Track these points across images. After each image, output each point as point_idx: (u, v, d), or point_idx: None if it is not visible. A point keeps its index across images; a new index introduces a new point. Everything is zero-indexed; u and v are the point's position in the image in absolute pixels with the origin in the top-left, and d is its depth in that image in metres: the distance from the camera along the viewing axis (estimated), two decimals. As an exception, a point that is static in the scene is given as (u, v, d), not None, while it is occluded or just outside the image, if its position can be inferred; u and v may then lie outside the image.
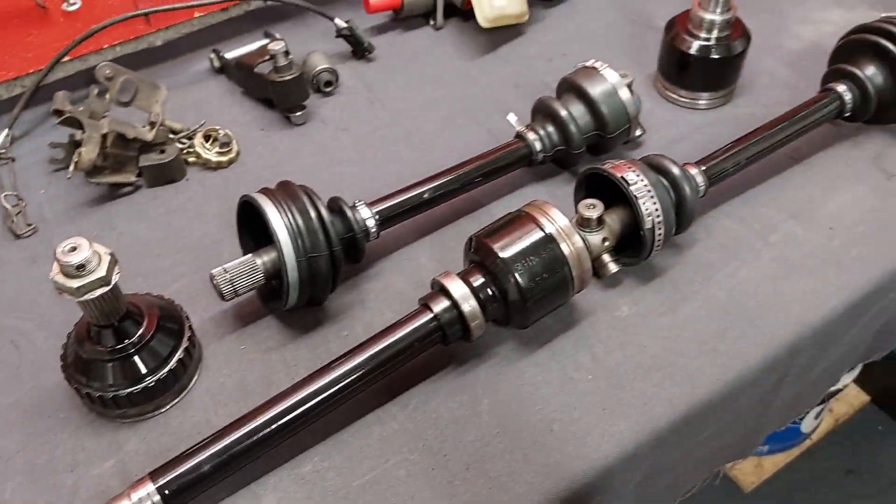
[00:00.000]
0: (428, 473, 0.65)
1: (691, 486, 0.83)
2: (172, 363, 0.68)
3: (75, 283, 0.60)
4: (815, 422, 1.76)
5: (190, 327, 0.71)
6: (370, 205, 0.77)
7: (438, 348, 0.70)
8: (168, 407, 0.70)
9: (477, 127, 0.97)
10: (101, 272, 0.61)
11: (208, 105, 1.01)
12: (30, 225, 0.85)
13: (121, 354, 0.67)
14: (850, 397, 1.88)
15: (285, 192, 0.72)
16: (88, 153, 0.83)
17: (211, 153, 0.91)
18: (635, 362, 0.71)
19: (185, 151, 0.92)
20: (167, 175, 0.90)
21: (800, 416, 0.89)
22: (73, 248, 0.60)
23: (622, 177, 0.73)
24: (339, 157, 0.94)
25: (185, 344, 0.69)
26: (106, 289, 0.62)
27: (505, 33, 1.09)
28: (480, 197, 0.88)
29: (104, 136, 0.84)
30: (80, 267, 0.60)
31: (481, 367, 0.72)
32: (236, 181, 0.91)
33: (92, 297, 0.61)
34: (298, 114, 0.97)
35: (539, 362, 0.72)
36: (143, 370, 0.67)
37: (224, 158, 0.92)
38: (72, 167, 0.83)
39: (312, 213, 0.70)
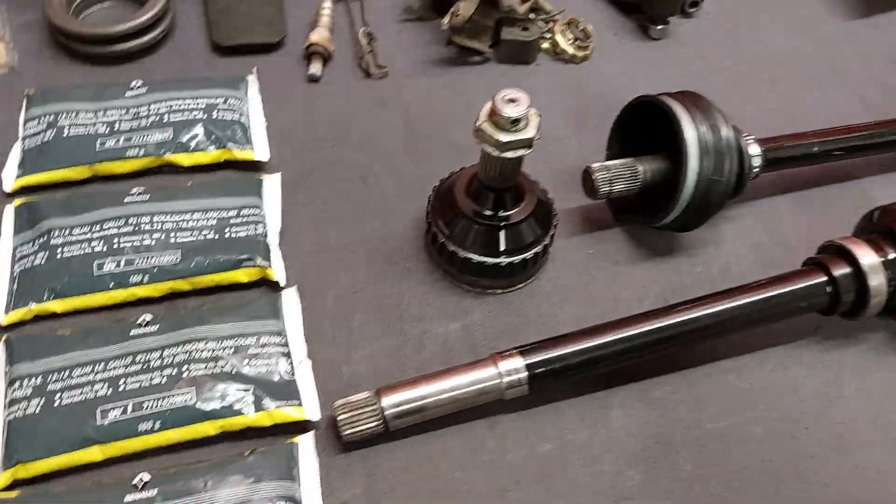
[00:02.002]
0: (786, 439, 0.60)
1: None
2: (534, 250, 0.65)
3: (504, 137, 0.57)
4: None
5: (556, 223, 0.67)
6: (759, 142, 0.71)
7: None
8: (515, 289, 0.67)
9: (846, 92, 0.87)
10: (530, 133, 0.57)
11: (560, -5, 0.95)
12: (381, 67, 0.83)
13: (492, 223, 0.64)
14: None
15: (696, 104, 0.66)
16: (467, 10, 0.79)
17: (570, 45, 0.86)
18: None
19: (542, 35, 0.87)
20: (521, 55, 0.86)
21: None
22: (513, 100, 0.57)
23: None
24: (693, 85, 0.85)
25: (549, 235, 0.66)
26: (527, 151, 0.58)
27: (883, 1, 0.98)
28: (852, 169, 0.79)
29: (483, -2, 0.81)
30: (515, 122, 0.57)
31: (848, 349, 0.66)
32: (587, 80, 0.86)
33: (512, 155, 0.58)
34: (659, 27, 0.90)
35: (918, 363, 0.65)
36: (506, 246, 0.64)
37: (580, 53, 0.87)
38: (447, 19, 0.80)
39: (724, 134, 0.64)
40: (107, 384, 0.53)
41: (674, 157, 0.67)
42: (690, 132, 0.63)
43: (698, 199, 0.64)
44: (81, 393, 0.53)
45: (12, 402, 0.53)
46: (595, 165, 0.67)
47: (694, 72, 0.88)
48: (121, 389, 0.53)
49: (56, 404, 0.52)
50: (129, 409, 0.52)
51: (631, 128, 0.71)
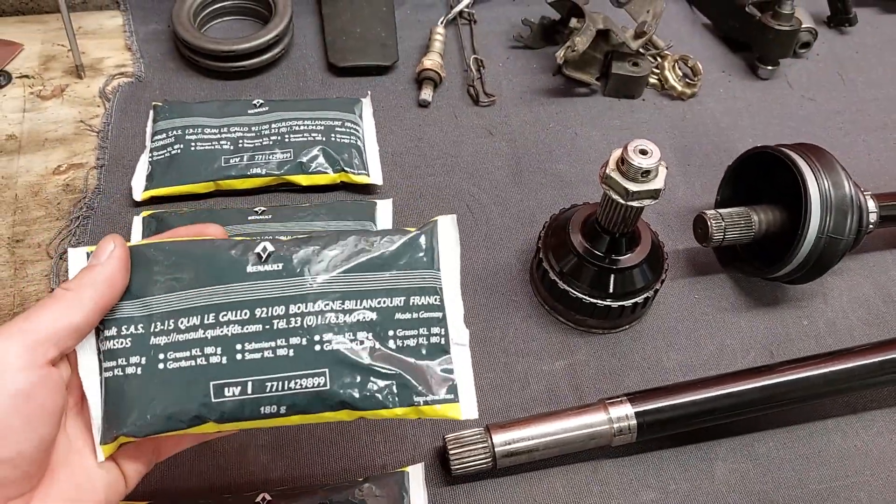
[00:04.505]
0: (893, 507, 0.60)
1: None
2: (644, 295, 0.65)
3: (632, 187, 0.57)
4: None
5: (667, 269, 0.67)
6: (875, 197, 0.70)
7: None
8: (620, 329, 0.68)
9: (960, 145, 0.86)
10: (658, 184, 0.58)
11: (665, 29, 0.95)
12: (489, 95, 0.84)
13: (605, 265, 0.64)
14: None
15: (818, 158, 0.65)
16: (582, 44, 0.79)
17: (678, 81, 0.86)
18: None
19: (651, 70, 0.87)
20: (629, 89, 0.86)
21: None
22: (644, 152, 0.57)
23: None
24: (801, 128, 0.86)
25: (659, 280, 0.66)
26: (653, 202, 0.59)
27: None
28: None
29: (598, 32, 0.81)
30: (646, 173, 0.57)
31: (959, 416, 0.65)
32: (693, 117, 0.86)
33: (637, 205, 0.58)
34: (769, 68, 0.89)
35: None
36: (616, 290, 0.64)
37: (688, 90, 0.86)
38: (562, 52, 0.80)
39: (846, 191, 0.64)
40: (220, 348, 0.42)
41: (791, 209, 0.67)
42: (814, 188, 0.63)
43: (815, 257, 0.64)
44: (190, 357, 0.42)
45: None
46: (710, 213, 0.67)
47: (801, 115, 0.87)
48: (238, 358, 0.41)
49: (161, 367, 0.41)
50: (250, 389, 0.41)
51: (744, 175, 0.71)
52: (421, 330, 0.43)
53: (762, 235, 0.68)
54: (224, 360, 0.41)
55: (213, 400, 0.41)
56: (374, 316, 0.42)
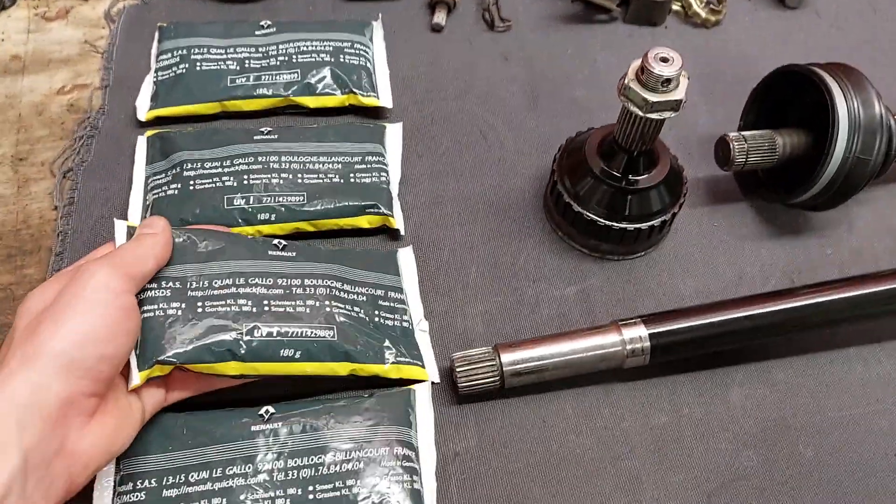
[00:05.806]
0: (913, 436, 0.58)
1: None
2: (661, 219, 0.63)
3: (652, 97, 0.55)
4: None
5: (686, 193, 0.65)
6: (906, 121, 0.67)
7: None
8: (635, 256, 0.66)
9: None
10: (679, 95, 0.55)
11: (689, -45, 0.91)
12: (505, 20, 0.81)
13: (621, 186, 0.62)
14: None
15: (849, 77, 0.62)
16: (601, -35, 0.76)
17: (702, 8, 0.83)
18: None
19: (674, -3, 0.84)
20: (651, 16, 0.82)
21: None
22: (665, 59, 0.54)
23: None
24: (829, 57, 0.80)
25: (678, 205, 0.64)
26: (673, 114, 0.56)
27: None
28: None
29: (617, -47, 0.78)
30: (666, 82, 0.54)
31: None
32: (717, 46, 0.82)
33: (657, 117, 0.56)
34: (798, -4, 0.85)
35: None
36: (632, 212, 0.62)
37: (712, 17, 0.83)
38: (580, -26, 0.77)
39: (877, 111, 0.61)
40: (251, 301, 0.52)
41: (817, 131, 0.64)
42: (842, 105, 0.60)
43: (841, 179, 0.61)
44: (225, 305, 0.51)
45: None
46: (732, 134, 0.65)
47: (829, 45, 0.84)
48: (266, 310, 0.52)
49: (200, 311, 0.50)
50: (275, 332, 0.51)
51: (769, 98, 0.69)
52: (395, 315, 0.57)
53: (786, 158, 0.65)
54: (254, 310, 0.51)
55: (244, 337, 0.50)
56: (364, 298, 0.57)
